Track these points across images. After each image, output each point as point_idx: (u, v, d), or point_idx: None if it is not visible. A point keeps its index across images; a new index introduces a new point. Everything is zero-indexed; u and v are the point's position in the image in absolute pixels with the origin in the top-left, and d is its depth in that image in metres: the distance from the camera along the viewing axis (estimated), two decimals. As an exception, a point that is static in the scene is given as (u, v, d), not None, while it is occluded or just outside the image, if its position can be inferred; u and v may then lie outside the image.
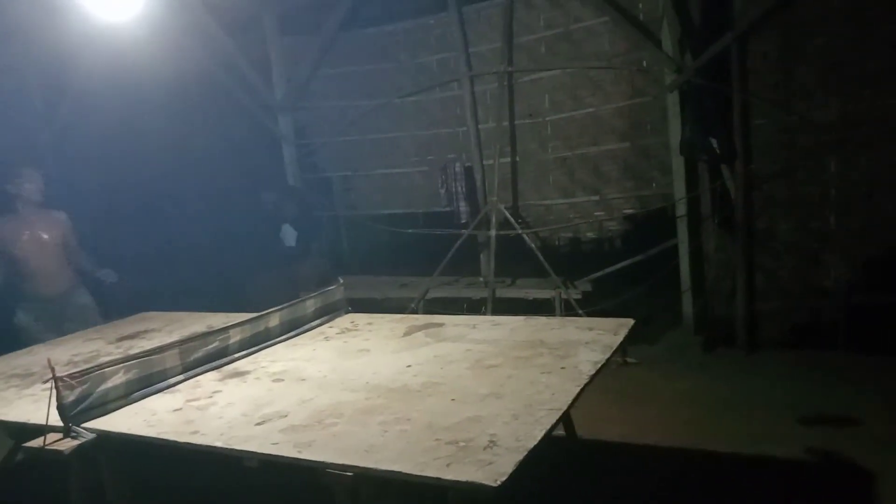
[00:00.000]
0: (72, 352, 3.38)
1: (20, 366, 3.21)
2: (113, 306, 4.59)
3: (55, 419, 2.21)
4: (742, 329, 4.94)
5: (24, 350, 3.56)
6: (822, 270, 4.74)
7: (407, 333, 3.11)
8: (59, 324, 4.24)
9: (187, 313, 4.00)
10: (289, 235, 6.05)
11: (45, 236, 4.36)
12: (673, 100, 5.03)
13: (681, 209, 5.14)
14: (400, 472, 1.73)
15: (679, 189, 5.13)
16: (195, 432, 2.13)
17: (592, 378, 2.31)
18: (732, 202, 4.91)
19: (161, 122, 6.64)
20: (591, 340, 2.71)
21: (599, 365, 2.41)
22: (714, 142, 4.75)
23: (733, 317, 4.99)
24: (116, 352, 3.28)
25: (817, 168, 4.64)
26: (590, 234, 5.73)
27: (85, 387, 2.29)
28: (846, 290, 4.64)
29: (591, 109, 5.50)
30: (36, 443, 2.19)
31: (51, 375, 2.20)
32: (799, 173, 4.71)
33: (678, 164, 5.09)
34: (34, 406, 2.52)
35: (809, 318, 4.80)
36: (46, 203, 4.43)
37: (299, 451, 1.91)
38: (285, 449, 1.94)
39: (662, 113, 5.16)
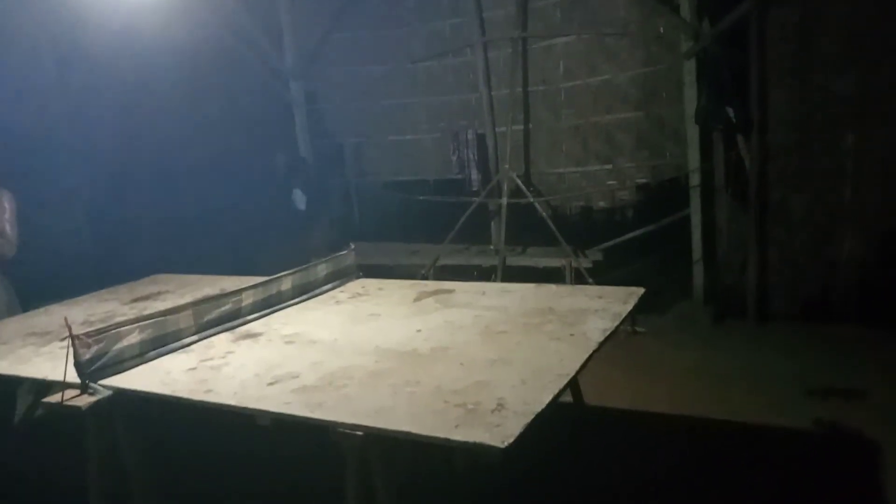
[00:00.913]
0: (87, 312, 3.43)
1: (37, 325, 3.27)
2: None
3: (72, 376, 2.26)
4: (752, 301, 4.93)
5: (41, 310, 3.61)
6: (835, 244, 4.70)
7: (417, 299, 3.13)
8: None
9: (200, 276, 4.04)
10: (299, 199, 6.08)
11: None
12: (689, 68, 4.95)
13: (694, 179, 5.10)
14: (409, 433, 1.76)
15: (693, 159, 5.08)
16: (209, 391, 2.17)
17: (601, 345, 2.33)
18: (747, 173, 4.86)
19: (173, 89, 6.62)
20: (601, 308, 2.72)
21: (608, 333, 2.43)
22: (730, 111, 4.69)
23: (744, 288, 4.99)
24: (131, 312, 3.33)
25: (834, 140, 4.58)
26: (602, 204, 5.70)
27: (101, 345, 2.33)
28: (858, 264, 4.61)
29: (605, 77, 5.43)
30: (54, 398, 2.25)
31: (68, 334, 2.24)
32: (815, 145, 4.65)
33: (693, 133, 5.04)
34: (52, 364, 2.57)
35: (820, 292, 4.78)
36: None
37: (311, 411, 1.94)
38: (297, 408, 1.97)
39: (677, 81, 5.09)
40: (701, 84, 4.87)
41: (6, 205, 3.95)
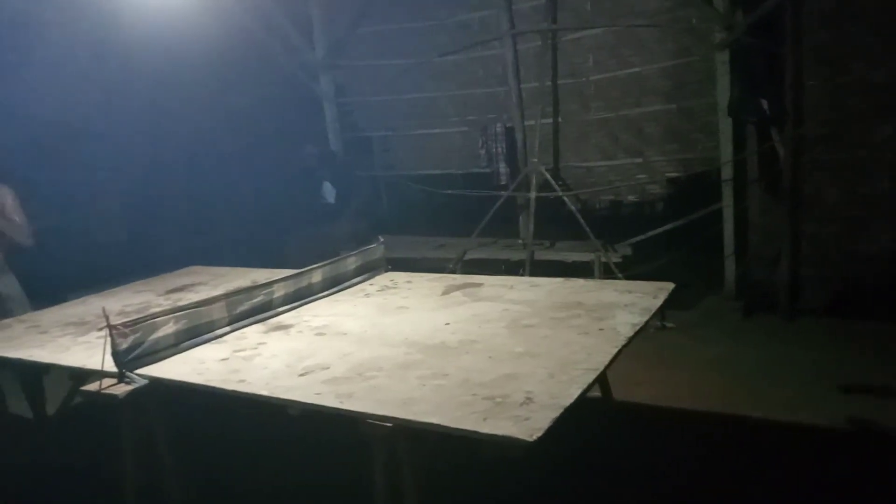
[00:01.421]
0: (123, 302, 3.52)
1: (75, 314, 3.36)
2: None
3: (110, 365, 2.32)
4: (784, 295, 4.85)
5: (79, 300, 3.71)
6: (870, 238, 4.60)
7: (445, 292, 3.15)
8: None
9: (232, 268, 4.11)
10: (329, 192, 6.12)
11: None
12: (722, 59, 4.87)
13: (727, 172, 5.03)
14: (437, 425, 1.78)
15: (725, 151, 5.01)
16: (241, 381, 2.22)
17: (630, 340, 2.32)
18: (780, 165, 4.77)
19: (203, 81, 6.71)
20: (630, 303, 2.70)
21: (638, 327, 2.42)
22: (764, 103, 4.61)
23: (775, 283, 4.91)
24: (165, 303, 3.40)
25: (869, 131, 4.47)
26: (631, 198, 5.66)
27: (137, 335, 2.39)
28: (894, 259, 4.51)
29: (635, 69, 5.37)
30: (92, 386, 2.31)
31: (105, 324, 2.30)
32: (850, 136, 4.55)
33: (725, 125, 4.96)
34: (89, 353, 2.64)
35: (854, 286, 4.69)
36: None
37: (340, 402, 1.97)
38: (327, 399, 2.00)
39: (708, 73, 5.01)
40: (734, 75, 4.79)
41: (9, 200, 4.02)
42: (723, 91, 4.90)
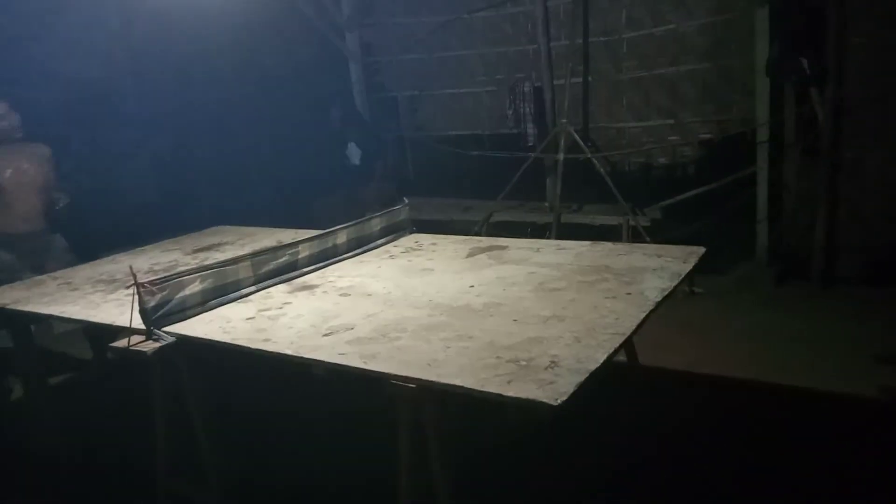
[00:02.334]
0: (151, 261, 3.55)
1: (105, 272, 3.40)
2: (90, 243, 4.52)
3: (138, 322, 2.35)
4: (818, 262, 4.74)
5: (108, 258, 3.76)
6: (913, 204, 4.45)
7: (470, 255, 3.12)
8: (41, 262, 4.07)
9: (258, 228, 4.12)
10: (354, 154, 6.08)
11: (27, 170, 4.16)
12: (762, 16, 4.68)
13: (762, 135, 4.87)
14: (462, 387, 1.77)
15: (762, 113, 4.84)
16: (267, 340, 2.23)
17: (658, 305, 2.27)
18: (819, 129, 4.61)
19: (231, 42, 6.67)
20: (659, 267, 2.65)
21: (666, 292, 2.36)
22: (805, 62, 4.43)
23: (810, 250, 4.79)
24: (193, 262, 3.43)
25: (918, 93, 4.29)
26: (662, 160, 5.53)
27: (164, 293, 2.41)
28: (937, 226, 4.36)
29: (671, 26, 5.19)
30: (121, 343, 2.34)
31: (133, 282, 2.32)
32: (895, 99, 4.36)
33: (762, 86, 4.79)
34: (119, 310, 2.68)
35: (891, 255, 4.55)
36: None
37: (364, 362, 1.97)
38: (351, 359, 2.00)
39: (749, 31, 4.82)
40: (774, 33, 4.60)
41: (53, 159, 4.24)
42: (761, 50, 4.71)
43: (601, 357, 1.86)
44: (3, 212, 4.14)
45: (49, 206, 4.31)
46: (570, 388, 1.67)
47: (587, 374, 1.75)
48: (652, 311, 2.21)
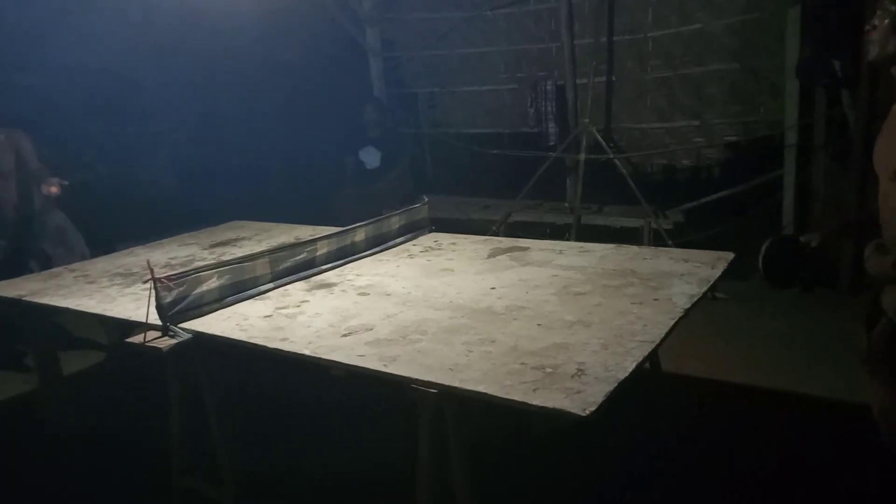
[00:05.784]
0: (169, 255, 3.53)
1: (122, 265, 3.38)
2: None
3: (154, 318, 2.31)
4: (847, 270, 4.62)
5: (126, 251, 3.73)
6: (947, 211, 4.31)
7: (491, 255, 3.06)
8: (37, 244, 4.33)
9: (276, 224, 4.09)
10: (372, 156, 5.97)
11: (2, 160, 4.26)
12: (794, 15, 4.57)
13: (790, 137, 4.76)
14: (486, 394, 1.71)
15: (790, 115, 4.74)
16: (284, 339, 2.18)
17: (687, 312, 2.20)
18: (850, 132, 4.49)
19: (252, 35, 6.64)
20: (687, 272, 2.58)
21: (695, 299, 2.29)
22: (837, 64, 4.31)
23: (838, 256, 4.67)
24: (210, 257, 3.40)
25: (955, 97, 4.16)
26: (686, 162, 5.43)
27: (181, 289, 2.37)
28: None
29: (698, 25, 5.09)
30: (137, 339, 2.30)
31: (150, 276, 2.28)
32: (933, 102, 4.24)
33: (792, 87, 4.68)
34: (135, 304, 2.64)
35: (923, 263, 4.42)
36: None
37: (385, 365, 1.92)
38: (371, 361, 1.95)
39: (779, 31, 4.71)
40: (805, 34, 4.49)
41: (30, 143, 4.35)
42: (792, 50, 4.61)
43: (630, 366, 1.79)
44: None
45: (29, 191, 4.34)
46: (599, 398, 1.61)
47: (616, 384, 1.69)
48: (681, 319, 2.14)
